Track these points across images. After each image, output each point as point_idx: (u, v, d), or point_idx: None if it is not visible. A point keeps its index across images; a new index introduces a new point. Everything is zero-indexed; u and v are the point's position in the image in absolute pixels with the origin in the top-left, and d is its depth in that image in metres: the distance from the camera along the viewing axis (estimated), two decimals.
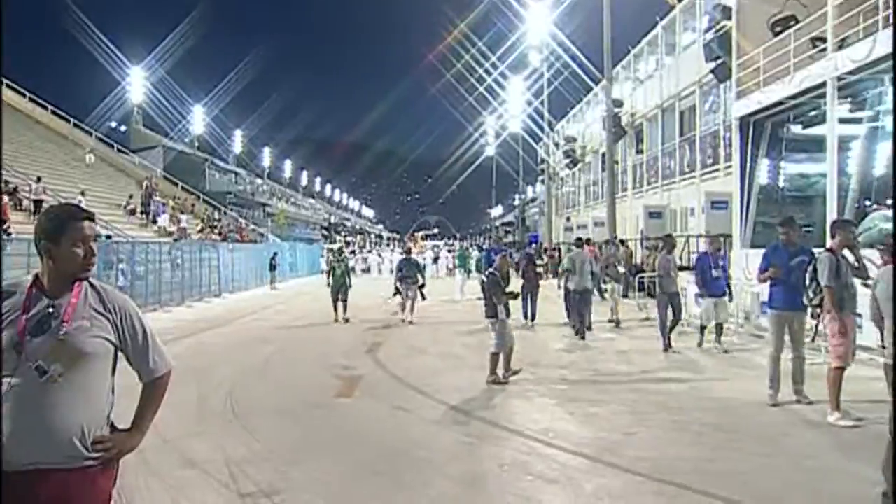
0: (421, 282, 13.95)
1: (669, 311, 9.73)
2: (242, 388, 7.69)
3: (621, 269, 14.32)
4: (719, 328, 9.62)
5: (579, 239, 15.76)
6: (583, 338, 10.85)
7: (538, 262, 17.04)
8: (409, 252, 15.65)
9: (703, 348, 9.58)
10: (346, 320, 13.44)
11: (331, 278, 14.12)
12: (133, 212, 27.69)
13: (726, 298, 9.64)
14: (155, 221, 27.86)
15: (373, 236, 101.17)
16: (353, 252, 41.06)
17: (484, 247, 36.84)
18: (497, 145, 57.78)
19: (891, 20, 9.26)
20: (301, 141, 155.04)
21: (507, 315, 7.68)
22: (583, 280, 11.51)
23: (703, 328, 9.76)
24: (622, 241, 19.16)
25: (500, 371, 7.64)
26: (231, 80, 63.79)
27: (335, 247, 15.93)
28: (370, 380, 8.05)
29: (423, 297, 14.15)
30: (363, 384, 7.81)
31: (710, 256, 9.53)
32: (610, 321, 12.40)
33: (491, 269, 7.86)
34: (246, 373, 8.60)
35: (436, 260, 37.31)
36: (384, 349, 10.46)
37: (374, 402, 6.90)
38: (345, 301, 13.75)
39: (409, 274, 13.90)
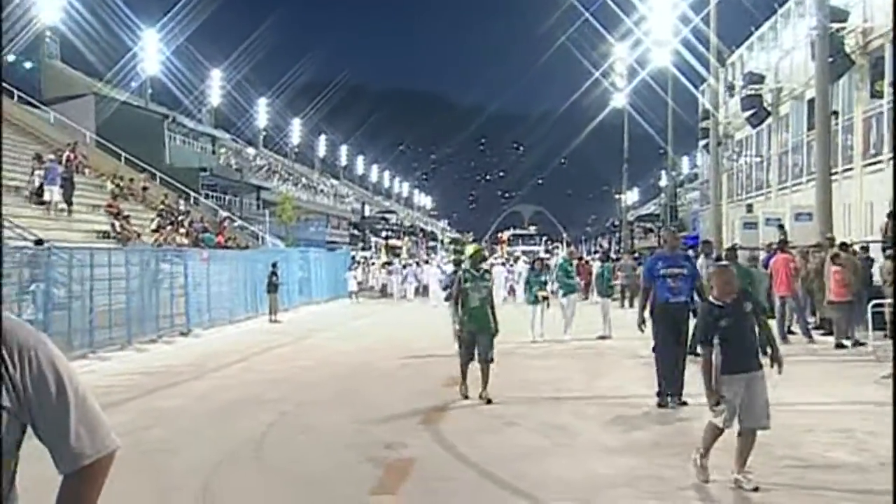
0: None
1: None
2: (224, 484, 7.73)
3: None
4: None
5: (706, 242, 15.12)
6: None
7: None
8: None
9: None
10: (489, 401, 11.25)
11: (459, 315, 11.86)
12: (40, 198, 27.69)
13: None
14: (40, 196, 27.52)
15: (438, 239, 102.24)
16: (498, 261, 40.33)
17: (614, 256, 36.05)
18: (630, 91, 57.09)
19: None
20: (315, 88, 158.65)
21: (750, 369, 6.88)
22: None
23: None
24: (844, 245, 18.54)
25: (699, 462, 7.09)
26: None
27: (468, 249, 13.33)
28: (427, 466, 8.13)
29: None
30: (415, 473, 7.89)
31: None
32: None
33: (713, 298, 7.17)
34: (230, 458, 8.65)
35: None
36: (449, 417, 10.63)
37: None
38: (487, 360, 11.52)
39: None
